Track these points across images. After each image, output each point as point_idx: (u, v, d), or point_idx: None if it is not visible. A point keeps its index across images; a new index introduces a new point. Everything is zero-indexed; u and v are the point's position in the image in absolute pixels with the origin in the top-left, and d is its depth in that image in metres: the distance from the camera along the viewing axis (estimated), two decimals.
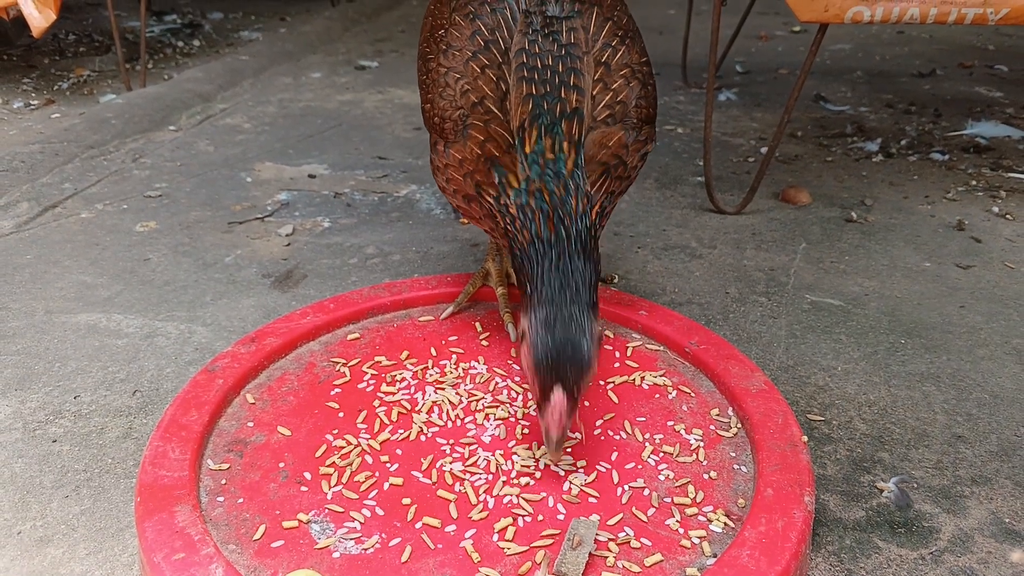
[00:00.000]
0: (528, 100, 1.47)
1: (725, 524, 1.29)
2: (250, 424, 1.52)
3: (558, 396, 1.29)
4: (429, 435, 1.50)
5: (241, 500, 1.34)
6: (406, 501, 1.34)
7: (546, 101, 1.47)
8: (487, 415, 1.54)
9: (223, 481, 1.38)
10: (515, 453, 1.44)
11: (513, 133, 1.49)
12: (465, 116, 1.55)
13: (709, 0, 2.59)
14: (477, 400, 1.59)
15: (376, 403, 1.58)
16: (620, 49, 1.58)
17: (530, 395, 1.59)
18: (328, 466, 1.41)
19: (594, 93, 1.52)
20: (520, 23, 1.56)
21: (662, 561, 1.22)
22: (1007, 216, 2.63)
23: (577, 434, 1.48)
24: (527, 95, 1.47)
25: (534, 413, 1.52)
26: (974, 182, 2.91)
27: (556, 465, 1.41)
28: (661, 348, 1.76)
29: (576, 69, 1.49)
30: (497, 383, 1.64)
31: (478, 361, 1.71)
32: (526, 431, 1.50)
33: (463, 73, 1.57)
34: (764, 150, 3.24)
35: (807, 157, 3.20)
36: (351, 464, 1.42)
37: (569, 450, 1.45)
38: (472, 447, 1.46)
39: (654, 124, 1.66)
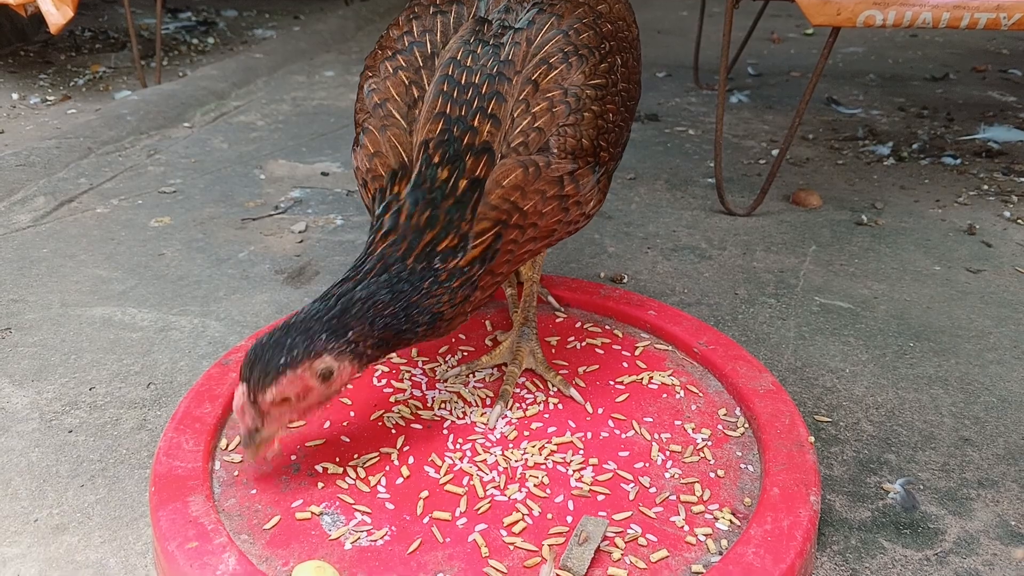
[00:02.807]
0: (439, 119, 1.35)
1: (731, 522, 1.31)
2: None
3: (238, 394, 1.26)
4: (439, 431, 1.51)
5: (254, 491, 1.36)
6: (416, 495, 1.35)
7: (457, 127, 1.34)
8: None
9: (236, 472, 1.40)
10: (524, 451, 1.46)
11: (409, 148, 1.37)
12: (368, 119, 1.42)
13: (722, 2, 2.61)
14: (486, 398, 1.61)
15: (387, 399, 1.60)
16: (558, 68, 1.39)
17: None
18: (339, 459, 1.43)
19: (515, 115, 1.36)
20: (465, 28, 1.43)
21: (668, 557, 1.24)
22: (1018, 221, 2.62)
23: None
24: (439, 113, 1.35)
25: None
26: (985, 186, 2.91)
27: (256, 463, 1.34)
28: (670, 348, 1.77)
29: (500, 93, 1.35)
30: None
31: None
32: (536, 428, 1.52)
33: (376, 72, 1.45)
34: (775, 152, 3.24)
35: (818, 160, 3.20)
36: (361, 458, 1.43)
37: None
38: (481, 443, 1.48)
39: (594, 159, 1.43)
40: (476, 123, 1.34)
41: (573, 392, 1.60)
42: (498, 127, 1.35)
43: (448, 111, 1.35)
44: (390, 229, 1.33)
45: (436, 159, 1.33)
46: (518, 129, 1.36)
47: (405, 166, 1.37)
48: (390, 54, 1.45)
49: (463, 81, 1.36)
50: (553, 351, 1.75)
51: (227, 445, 1.46)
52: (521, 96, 1.37)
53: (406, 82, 1.40)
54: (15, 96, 3.85)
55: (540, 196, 1.37)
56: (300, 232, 2.53)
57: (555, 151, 1.37)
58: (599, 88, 1.43)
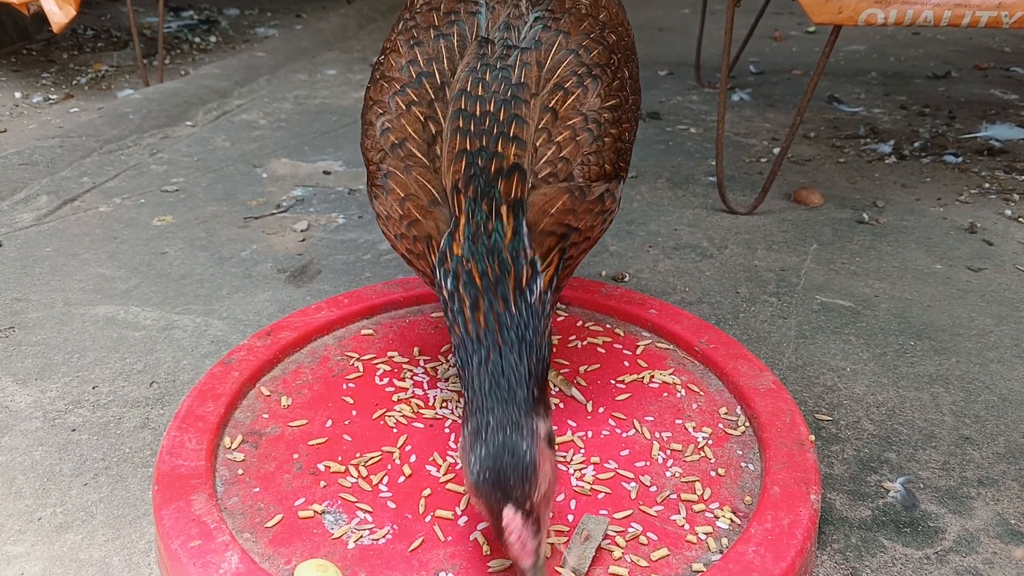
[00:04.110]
0: (461, 157, 1.30)
1: (731, 521, 1.31)
2: (265, 416, 1.54)
3: (509, 515, 1.10)
4: (440, 430, 1.52)
5: (256, 490, 1.36)
6: (418, 493, 1.36)
7: (480, 157, 1.30)
8: None
9: (239, 471, 1.40)
10: None
11: (439, 185, 1.33)
12: (385, 159, 1.38)
13: (723, 0, 2.62)
14: None
15: (388, 398, 1.60)
16: (575, 93, 1.36)
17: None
18: (341, 458, 1.44)
19: (537, 144, 1.33)
20: (469, 52, 1.38)
21: (669, 556, 1.24)
22: (1020, 219, 2.62)
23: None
24: (460, 151, 1.31)
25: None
26: (987, 185, 2.91)
27: None
28: (671, 347, 1.77)
29: (519, 117, 1.32)
30: None
31: None
32: None
33: (386, 109, 1.39)
34: (777, 151, 3.24)
35: (820, 158, 3.20)
36: (363, 457, 1.44)
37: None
38: None
39: (617, 180, 1.45)
40: (500, 148, 1.30)
41: (574, 391, 1.61)
42: (523, 148, 1.31)
43: (468, 147, 1.31)
44: (476, 296, 1.28)
45: (472, 194, 1.30)
46: (543, 160, 1.33)
47: (437, 202, 1.33)
48: (398, 87, 1.39)
49: (478, 112, 1.32)
50: (554, 350, 1.76)
51: (230, 444, 1.46)
52: (541, 125, 1.34)
53: (421, 118, 1.36)
54: (18, 95, 3.86)
55: (590, 214, 1.38)
56: (302, 231, 2.54)
57: (580, 180, 1.36)
58: (615, 109, 1.41)
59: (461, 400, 1.59)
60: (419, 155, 1.35)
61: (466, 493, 1.29)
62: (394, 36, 1.48)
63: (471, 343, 1.25)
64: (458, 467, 1.42)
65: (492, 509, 1.11)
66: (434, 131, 1.34)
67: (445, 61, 1.38)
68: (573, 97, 1.36)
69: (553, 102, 1.35)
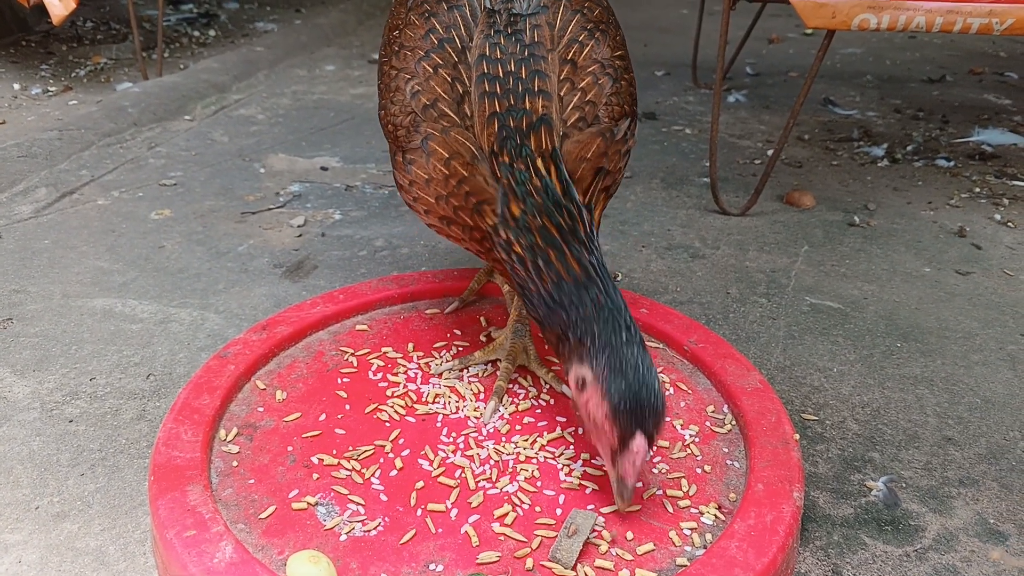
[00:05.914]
0: (493, 120, 1.40)
1: (716, 517, 1.34)
2: (260, 409, 1.57)
3: (639, 443, 1.24)
4: (432, 425, 1.54)
5: (251, 482, 1.39)
6: (409, 487, 1.39)
7: (511, 117, 1.39)
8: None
9: (233, 463, 1.43)
10: (516, 445, 1.49)
11: (475, 142, 1.42)
12: (418, 121, 1.46)
13: (721, 1, 2.63)
14: (480, 392, 1.64)
15: (382, 393, 1.63)
16: (588, 44, 1.48)
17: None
18: (335, 452, 1.46)
19: (562, 94, 1.44)
20: (481, 21, 1.47)
21: (654, 550, 1.27)
22: (1009, 224, 2.66)
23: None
24: (491, 114, 1.40)
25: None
26: (978, 189, 2.94)
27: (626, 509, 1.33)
28: (660, 346, 1.80)
29: (540, 71, 1.42)
30: None
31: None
32: (527, 422, 1.55)
33: (414, 74, 1.48)
34: (771, 152, 3.27)
35: (813, 160, 3.23)
36: (356, 450, 1.47)
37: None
38: (474, 437, 1.51)
39: (634, 117, 1.57)
40: (528, 104, 1.40)
41: (565, 388, 1.63)
42: (550, 100, 1.41)
43: (498, 108, 1.40)
44: (560, 246, 1.36)
45: (507, 159, 1.39)
46: (570, 105, 1.43)
47: (477, 158, 1.41)
48: (422, 53, 1.48)
49: (500, 74, 1.41)
50: (546, 347, 1.78)
51: (225, 436, 1.49)
52: (563, 76, 1.45)
53: (449, 79, 1.44)
54: (17, 86, 3.87)
55: (618, 155, 1.50)
56: (299, 226, 2.56)
57: (605, 121, 1.46)
58: (622, 58, 1.54)
59: (454, 394, 1.62)
60: (451, 114, 1.44)
61: (579, 414, 1.37)
62: (404, 14, 1.57)
63: (572, 286, 1.35)
64: (448, 461, 1.45)
65: (624, 437, 1.25)
66: (461, 91, 1.44)
67: (462, 28, 1.48)
68: (588, 48, 1.48)
69: (571, 54, 1.46)
